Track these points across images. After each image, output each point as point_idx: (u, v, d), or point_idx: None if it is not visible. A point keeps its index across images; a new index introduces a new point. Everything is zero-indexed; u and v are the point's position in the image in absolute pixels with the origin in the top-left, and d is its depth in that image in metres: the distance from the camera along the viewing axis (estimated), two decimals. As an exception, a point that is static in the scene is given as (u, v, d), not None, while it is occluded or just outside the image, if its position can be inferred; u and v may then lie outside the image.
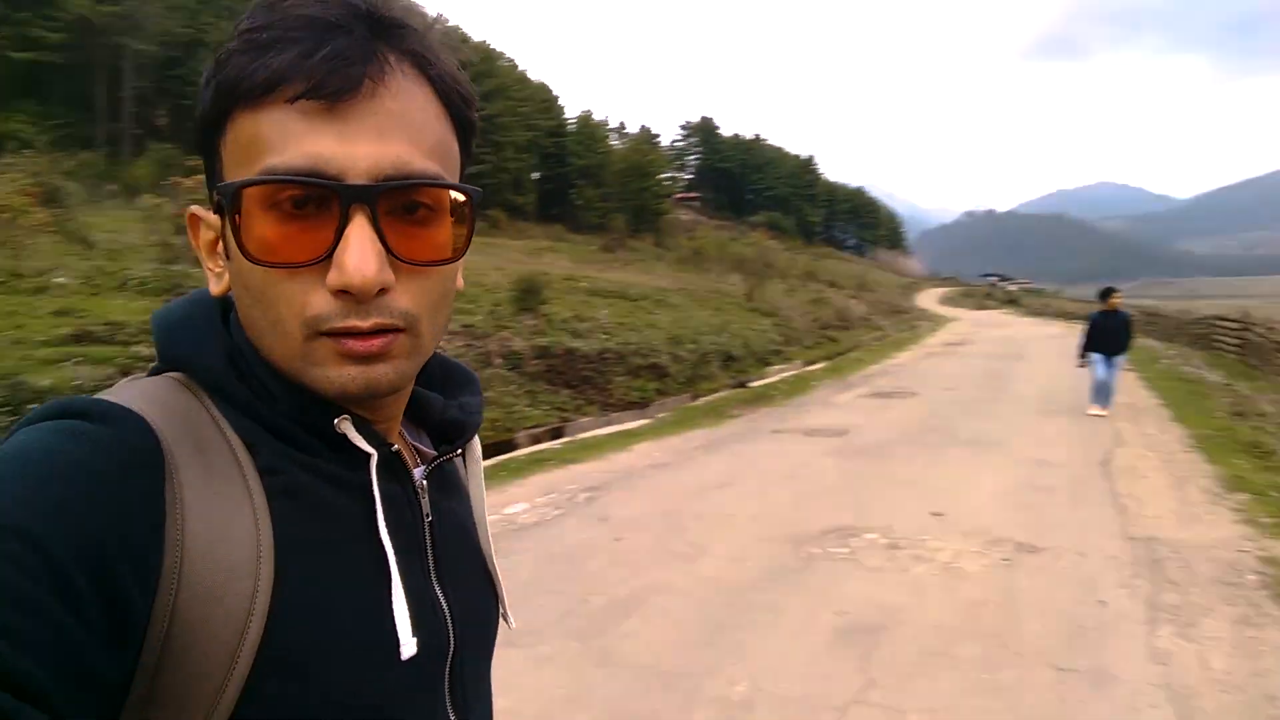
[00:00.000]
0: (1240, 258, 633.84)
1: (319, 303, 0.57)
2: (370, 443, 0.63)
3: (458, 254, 0.63)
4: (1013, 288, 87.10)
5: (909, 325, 33.74)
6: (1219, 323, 28.45)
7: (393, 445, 0.67)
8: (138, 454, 0.53)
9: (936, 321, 37.05)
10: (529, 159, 56.87)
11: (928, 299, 58.19)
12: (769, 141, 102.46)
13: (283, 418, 0.61)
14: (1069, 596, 4.61)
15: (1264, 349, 23.30)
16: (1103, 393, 11.00)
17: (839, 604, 4.51)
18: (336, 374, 0.59)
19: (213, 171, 0.61)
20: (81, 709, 0.45)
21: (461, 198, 0.62)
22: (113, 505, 0.50)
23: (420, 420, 0.78)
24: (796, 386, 14.58)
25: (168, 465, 0.54)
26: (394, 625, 0.61)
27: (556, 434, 10.19)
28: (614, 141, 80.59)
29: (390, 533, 0.63)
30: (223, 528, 0.54)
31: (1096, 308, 11.82)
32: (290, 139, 0.55)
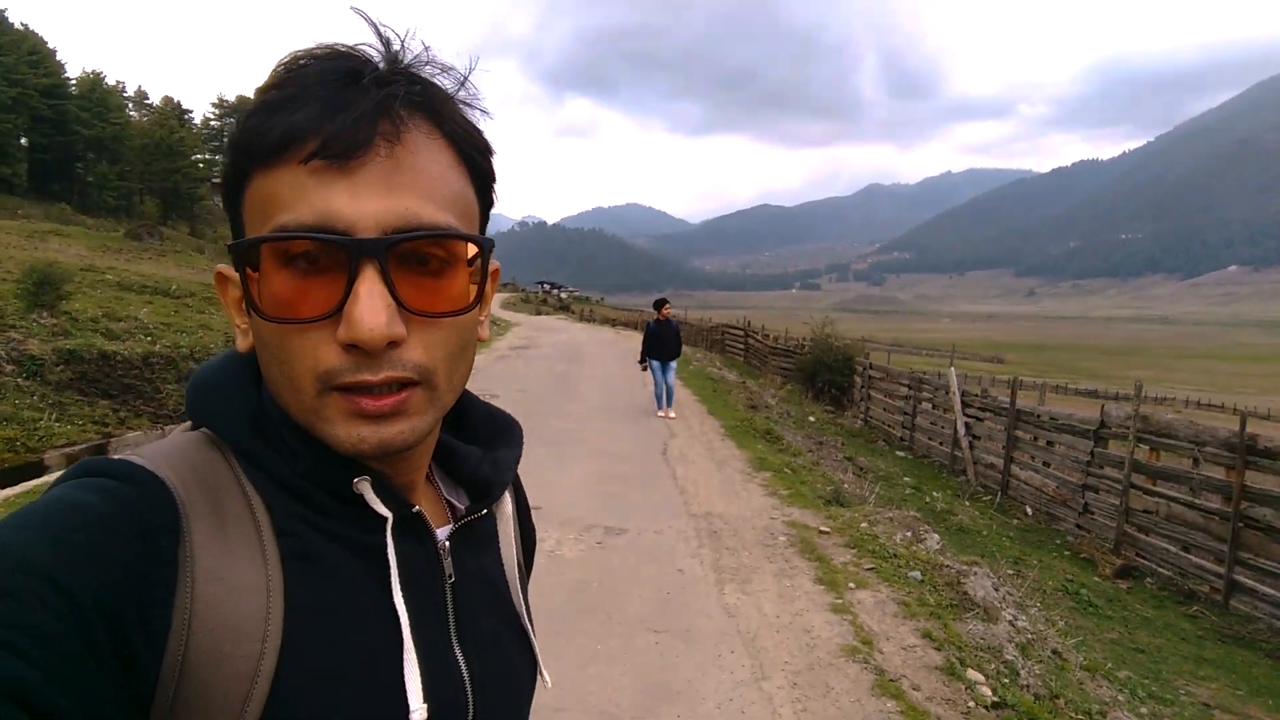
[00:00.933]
0: (738, 275, 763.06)
1: (330, 357, 0.57)
2: (389, 503, 0.63)
3: (473, 304, 0.63)
4: (564, 295, 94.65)
5: (477, 328, 34.68)
6: (729, 330, 34.23)
7: (413, 506, 0.66)
8: (156, 514, 0.54)
9: (503, 325, 38.73)
10: (16, 120, 47.03)
11: (493, 304, 60.36)
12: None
13: (301, 477, 0.61)
14: (654, 569, 5.31)
15: (761, 352, 28.67)
16: (664, 395, 12.08)
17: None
18: (347, 433, 0.58)
19: (237, 231, 0.61)
20: None
21: (474, 249, 0.62)
22: (130, 561, 0.51)
23: (454, 474, 0.77)
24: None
25: (183, 527, 0.55)
26: (404, 690, 0.60)
27: (99, 452, 8.72)
28: (132, 113, 70.12)
29: (406, 596, 0.62)
30: (233, 591, 0.55)
31: (650, 316, 13.18)
32: (301, 196, 0.56)
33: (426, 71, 0.63)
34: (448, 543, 0.70)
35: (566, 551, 5.59)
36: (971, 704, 3.80)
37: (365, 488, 0.62)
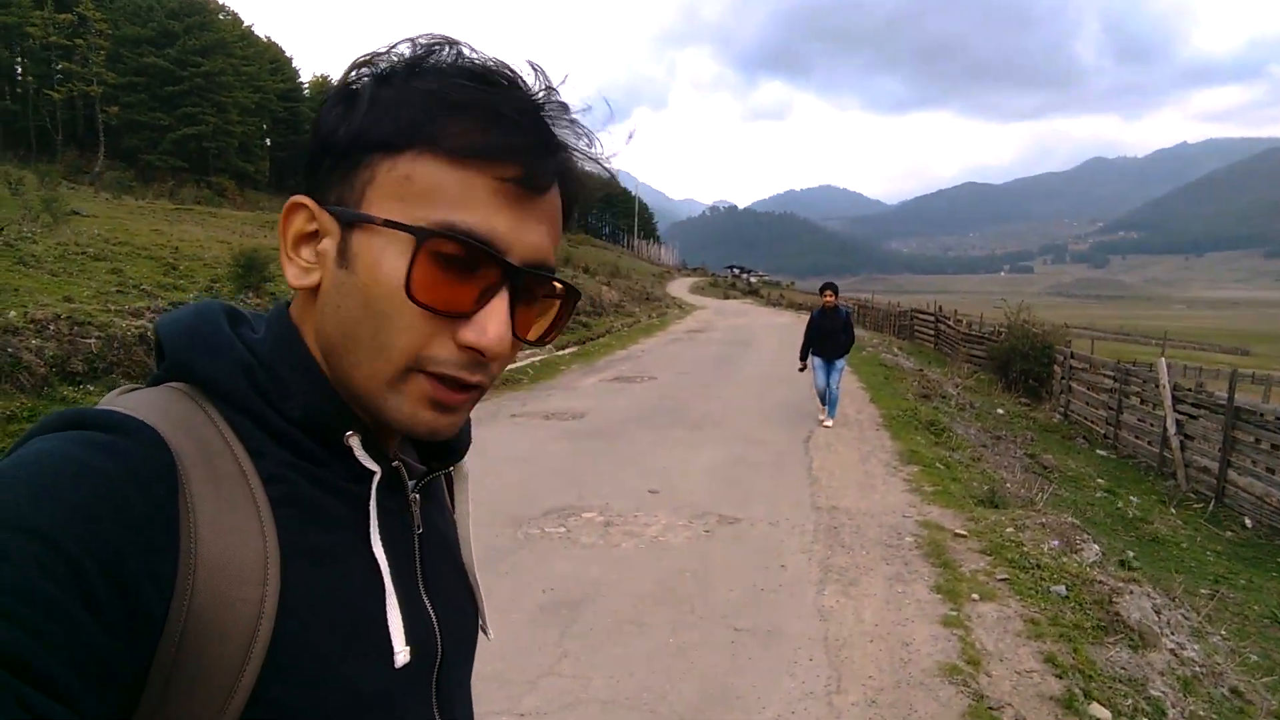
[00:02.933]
0: (937, 258, 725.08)
1: (442, 348, 0.60)
2: (375, 459, 0.66)
3: (552, 338, 0.70)
4: (753, 279, 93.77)
5: (659, 312, 35.18)
6: (919, 315, 32.48)
7: (394, 461, 0.70)
8: (152, 465, 0.54)
9: (685, 309, 38.96)
10: (258, 123, 52.50)
11: (679, 288, 61.00)
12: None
13: (291, 424, 0.63)
14: (756, 562, 5.02)
15: (952, 338, 26.98)
16: (827, 400, 9.95)
17: (547, 581, 4.59)
18: (413, 412, 0.62)
19: (337, 169, 0.63)
20: (102, 707, 0.47)
21: (567, 295, 0.69)
22: (130, 514, 0.51)
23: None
24: (544, 371, 14.68)
25: (180, 476, 0.55)
26: (389, 633, 0.63)
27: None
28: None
29: (385, 545, 0.65)
30: (232, 535, 0.56)
31: (817, 303, 11.15)
32: (473, 202, 0.59)
33: (576, 118, 0.66)
34: (416, 495, 0.73)
35: (671, 539, 5.40)
36: (1087, 744, 3.25)
37: (355, 443, 0.64)
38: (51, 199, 16.11)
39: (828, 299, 10.11)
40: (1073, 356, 18.01)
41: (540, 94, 0.63)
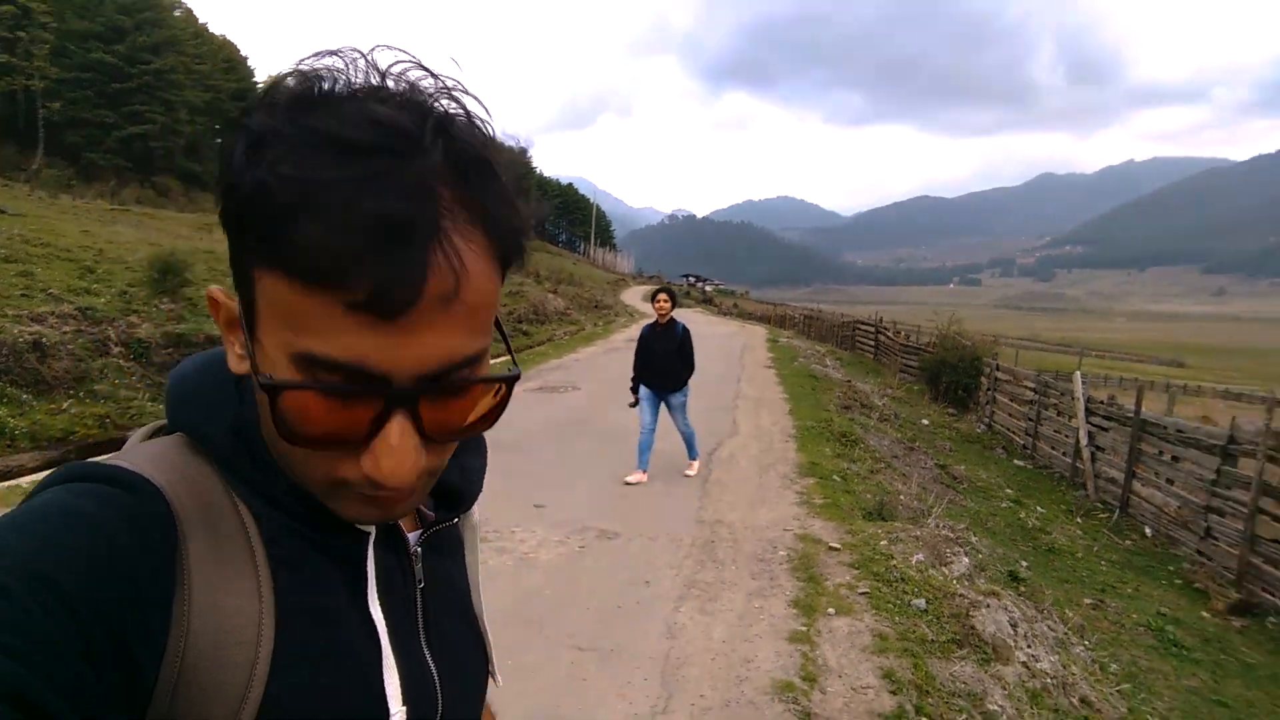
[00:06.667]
0: (890, 270, 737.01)
1: (349, 471, 0.56)
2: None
3: (492, 420, 0.61)
4: (709, 288, 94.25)
5: (606, 320, 35.13)
6: (860, 326, 32.95)
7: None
8: (153, 521, 0.55)
9: (633, 317, 38.96)
10: (208, 123, 51.44)
11: (633, 296, 61.06)
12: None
13: (283, 492, 0.61)
14: (623, 578, 4.98)
15: (890, 349, 27.40)
16: (648, 448, 7.40)
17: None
18: (355, 513, 0.60)
19: (240, 259, 0.55)
20: None
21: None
22: (129, 569, 0.51)
23: None
24: (467, 379, 14.53)
25: (180, 534, 0.56)
26: (385, 694, 0.62)
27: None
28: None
29: (383, 601, 0.65)
30: (228, 596, 0.56)
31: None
32: (333, 330, 0.51)
33: (491, 154, 0.56)
34: (419, 549, 0.71)
35: (542, 555, 5.34)
36: (903, 763, 3.26)
37: None
38: (-29, 197, 15.54)
39: (660, 307, 7.32)
40: (998, 368, 18.36)
41: (436, 150, 0.52)
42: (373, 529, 0.65)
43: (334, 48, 0.55)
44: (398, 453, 0.54)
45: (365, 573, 0.64)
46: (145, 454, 0.60)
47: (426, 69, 0.56)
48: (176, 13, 49.11)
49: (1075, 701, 4.59)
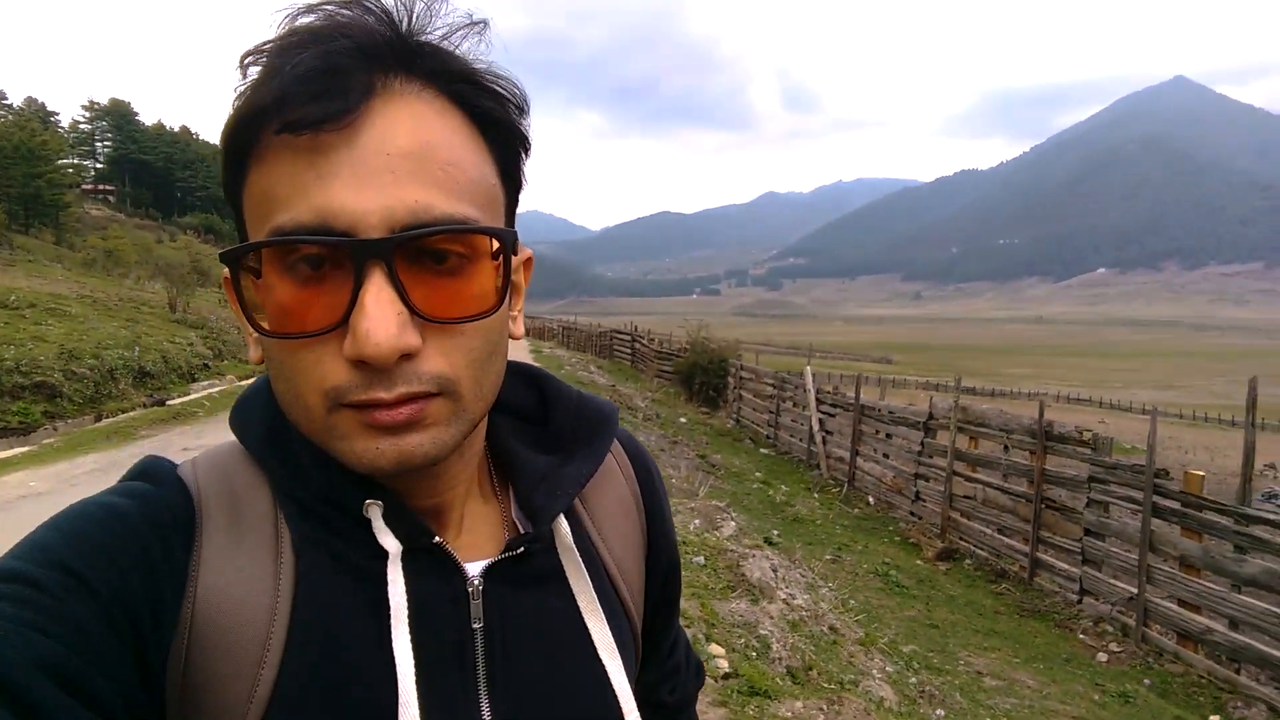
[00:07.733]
0: (638, 281, 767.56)
1: (338, 373, 0.51)
2: (402, 531, 0.58)
3: (497, 305, 0.55)
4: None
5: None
6: (617, 335, 34.47)
7: (434, 535, 0.59)
8: (172, 516, 0.56)
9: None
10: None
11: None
12: (201, 136, 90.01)
13: (315, 497, 0.58)
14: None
15: (646, 356, 29.00)
16: None
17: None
18: (364, 448, 0.52)
19: (241, 235, 0.56)
20: None
21: (497, 243, 0.54)
22: (145, 560, 0.53)
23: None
24: (222, 403, 13.74)
25: (198, 529, 0.57)
26: None
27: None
28: (-11, 115, 65.37)
29: (418, 639, 0.56)
30: (238, 598, 0.55)
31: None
32: (299, 192, 0.49)
33: (437, 28, 0.55)
34: (480, 580, 0.61)
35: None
36: (703, 677, 3.96)
37: (375, 513, 0.57)
38: None
39: None
40: (743, 369, 20.27)
41: (385, 27, 0.52)
42: (398, 547, 0.57)
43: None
44: (372, 314, 0.49)
45: (385, 597, 0.56)
46: (209, 452, 0.62)
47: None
48: None
49: (826, 629, 5.59)
